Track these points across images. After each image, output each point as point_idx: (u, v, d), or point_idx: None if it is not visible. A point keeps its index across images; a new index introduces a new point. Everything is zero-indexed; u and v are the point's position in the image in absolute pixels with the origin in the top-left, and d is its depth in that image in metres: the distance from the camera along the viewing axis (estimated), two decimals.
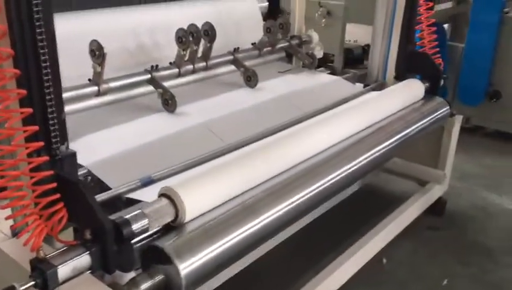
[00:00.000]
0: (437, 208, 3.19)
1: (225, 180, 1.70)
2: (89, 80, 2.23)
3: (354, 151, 2.22)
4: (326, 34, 4.97)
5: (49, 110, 1.31)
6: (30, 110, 1.25)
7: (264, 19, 3.38)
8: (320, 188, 1.95)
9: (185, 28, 2.45)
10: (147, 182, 1.81)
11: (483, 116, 4.48)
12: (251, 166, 1.82)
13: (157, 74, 2.43)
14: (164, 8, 2.92)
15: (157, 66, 2.45)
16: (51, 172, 1.30)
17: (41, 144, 1.28)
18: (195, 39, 2.51)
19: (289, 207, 1.79)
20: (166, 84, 2.46)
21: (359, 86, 3.21)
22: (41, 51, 1.26)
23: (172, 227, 1.56)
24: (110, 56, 2.34)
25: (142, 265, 1.45)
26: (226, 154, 2.10)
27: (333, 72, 3.34)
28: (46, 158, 1.30)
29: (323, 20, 5.04)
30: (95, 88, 2.22)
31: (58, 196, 1.32)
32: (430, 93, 2.93)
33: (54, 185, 1.31)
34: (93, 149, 1.98)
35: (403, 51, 3.03)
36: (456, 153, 3.23)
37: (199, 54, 2.64)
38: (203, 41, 2.59)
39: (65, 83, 2.11)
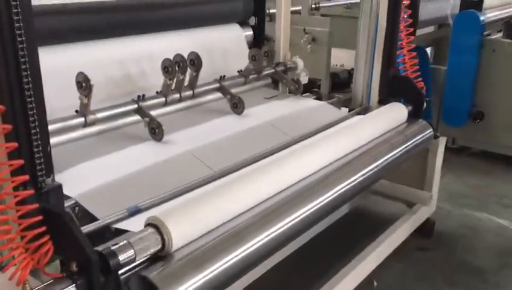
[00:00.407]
0: (426, 229, 3.21)
1: (213, 207, 1.72)
2: (76, 111, 2.26)
3: (340, 175, 2.25)
4: (312, 60, 5.05)
5: (35, 143, 1.32)
6: (15, 144, 1.26)
7: (250, 47, 3.46)
8: (308, 212, 1.97)
9: (171, 57, 2.50)
10: (134, 212, 1.82)
11: (468, 136, 4.55)
12: (238, 192, 1.84)
13: (144, 104, 2.46)
14: (151, 38, 2.96)
15: (143, 95, 2.48)
16: (36, 205, 1.30)
17: (27, 177, 1.30)
18: (181, 69, 2.56)
19: (277, 232, 1.81)
20: (153, 113, 2.49)
21: (344, 111, 3.27)
22: (26, 86, 1.28)
23: (160, 257, 1.57)
24: (98, 87, 2.40)
25: None
26: (213, 181, 2.11)
27: (319, 98, 3.40)
28: (31, 192, 1.31)
29: (309, 46, 5.11)
30: (82, 119, 2.24)
31: (44, 229, 1.32)
32: (413, 116, 2.98)
33: (40, 218, 1.32)
34: (80, 180, 1.99)
35: (386, 75, 3.10)
36: (443, 173, 3.28)
37: (186, 83, 2.68)
38: (189, 70, 2.64)
39: (53, 114, 2.20)
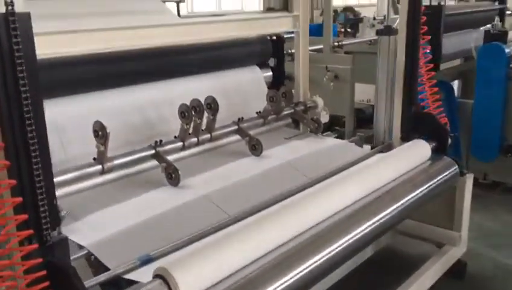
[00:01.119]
0: (457, 271, 3.06)
1: (224, 256, 1.68)
2: (94, 158, 2.28)
3: (361, 216, 2.19)
4: (336, 97, 5.07)
5: (40, 197, 1.33)
6: (20, 199, 1.27)
7: (270, 88, 3.47)
8: (330, 255, 1.92)
9: (189, 102, 2.52)
10: (145, 261, 1.80)
11: (501, 171, 4.38)
12: (252, 239, 1.80)
13: (161, 149, 2.47)
14: (170, 83, 3.01)
15: (161, 141, 2.49)
16: (40, 260, 1.30)
17: (31, 232, 1.30)
18: (198, 113, 2.57)
19: (295, 279, 1.75)
20: (171, 157, 2.50)
21: (366, 149, 3.21)
22: (31, 142, 1.30)
23: None
24: (119, 133, 2.45)
25: None
26: (228, 226, 2.08)
27: (340, 136, 3.36)
28: (35, 246, 1.30)
29: (332, 84, 5.13)
30: (99, 167, 2.26)
31: (47, 284, 1.31)
32: (438, 153, 2.90)
33: (44, 273, 1.31)
34: (95, 228, 2.00)
35: (407, 111, 3.04)
36: (475, 210, 3.14)
37: (203, 127, 2.69)
38: (206, 114, 2.65)
39: (77, 161, 2.24)
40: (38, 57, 2.00)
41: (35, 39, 1.32)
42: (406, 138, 3.07)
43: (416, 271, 2.79)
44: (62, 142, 2.39)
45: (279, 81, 3.63)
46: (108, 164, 2.28)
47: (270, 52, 3.54)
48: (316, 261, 1.90)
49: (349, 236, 2.09)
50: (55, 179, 2.06)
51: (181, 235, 1.98)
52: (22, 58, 1.25)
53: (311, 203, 2.10)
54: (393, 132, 3.12)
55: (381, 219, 2.23)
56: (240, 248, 1.72)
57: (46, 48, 2.06)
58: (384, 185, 2.46)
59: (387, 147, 3.10)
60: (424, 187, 2.55)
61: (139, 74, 2.84)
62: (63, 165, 2.26)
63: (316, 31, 5.72)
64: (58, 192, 2.08)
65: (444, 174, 2.71)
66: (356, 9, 11.13)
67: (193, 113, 2.51)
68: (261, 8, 14.25)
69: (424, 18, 2.93)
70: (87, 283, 1.54)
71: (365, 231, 2.17)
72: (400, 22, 2.95)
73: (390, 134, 3.17)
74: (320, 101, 3.45)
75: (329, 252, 1.97)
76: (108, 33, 2.45)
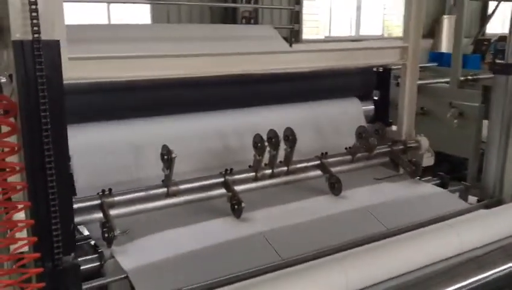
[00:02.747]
0: None
1: None
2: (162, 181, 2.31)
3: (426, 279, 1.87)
4: (459, 136, 4.58)
5: (53, 221, 1.34)
6: (32, 221, 1.29)
7: (371, 122, 3.25)
8: None
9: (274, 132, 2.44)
10: None
11: None
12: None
13: (230, 178, 2.42)
14: (265, 111, 2.96)
15: (231, 169, 2.44)
16: (42, 284, 1.30)
17: (37, 255, 1.31)
18: (273, 144, 2.47)
19: None
20: (241, 187, 2.44)
21: (472, 201, 2.81)
22: (49, 166, 1.32)
23: None
24: (197, 157, 2.47)
25: None
26: (276, 270, 1.93)
27: (442, 183, 2.98)
28: (39, 270, 1.31)
29: (455, 121, 4.66)
30: (164, 189, 2.27)
31: None
32: None
33: None
34: (143, 252, 2.00)
35: None
36: None
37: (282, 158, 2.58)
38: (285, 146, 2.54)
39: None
40: (130, 78, 2.16)
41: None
42: None
43: None
44: (138, 162, 2.47)
45: (383, 116, 3.39)
46: (173, 188, 2.29)
47: (373, 84, 3.32)
48: None
49: None
50: (122, 197, 2.18)
51: (222, 273, 1.89)
52: (45, 84, 1.28)
53: (372, 257, 1.85)
54: (504, 185, 2.68)
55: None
56: None
57: (149, 70, 2.18)
58: (473, 249, 2.09)
59: (496, 203, 2.67)
60: None
61: (231, 99, 2.86)
62: (136, 184, 2.34)
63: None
64: (123, 210, 2.19)
65: None
66: None
67: (266, 144, 2.41)
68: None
69: None
70: None
71: None
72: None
73: (502, 188, 2.73)
74: (424, 142, 3.11)
75: None
76: (213, 58, 2.46)
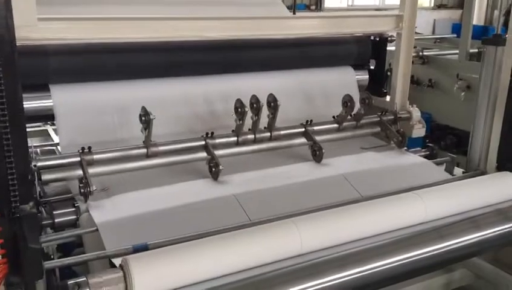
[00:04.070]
0: None
1: (195, 260, 1.62)
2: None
3: (387, 249, 1.91)
4: (466, 109, 4.51)
5: (9, 171, 1.43)
6: None
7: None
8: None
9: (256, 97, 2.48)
10: (139, 249, 1.82)
11: None
12: (235, 249, 1.71)
13: (211, 141, 2.47)
14: (259, 77, 2.99)
15: (212, 133, 2.49)
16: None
17: None
18: (255, 110, 2.51)
19: None
20: (222, 152, 2.50)
21: (457, 173, 2.81)
22: (2, 118, 1.39)
23: None
24: (182, 121, 2.54)
25: None
26: (239, 229, 1.99)
27: (430, 154, 2.98)
28: None
29: (462, 94, 4.59)
30: (144, 150, 2.35)
31: (3, 251, 1.41)
32: None
33: (1, 241, 1.41)
34: (116, 208, 2.09)
35: (507, 137, 2.57)
36: None
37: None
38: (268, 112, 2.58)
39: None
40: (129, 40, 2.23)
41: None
42: (502, 167, 2.60)
43: None
44: (124, 122, 2.54)
45: (379, 85, 3.37)
46: (153, 149, 2.36)
47: (369, 53, 3.29)
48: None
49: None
50: (101, 156, 2.27)
51: (192, 230, 1.96)
52: None
53: (328, 222, 1.89)
54: (488, 159, 2.67)
55: (418, 255, 1.93)
56: (218, 256, 1.64)
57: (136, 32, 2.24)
58: (439, 218, 2.11)
59: (480, 175, 2.66)
60: (493, 229, 2.13)
61: (222, 65, 2.89)
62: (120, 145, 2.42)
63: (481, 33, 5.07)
64: (101, 169, 2.29)
65: None
66: None
67: (246, 109, 2.45)
68: (432, 5, 13.30)
69: None
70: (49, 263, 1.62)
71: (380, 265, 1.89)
72: (510, 30, 2.49)
73: (487, 160, 2.71)
74: (416, 113, 3.09)
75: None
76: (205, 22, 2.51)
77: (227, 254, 1.67)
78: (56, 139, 3.64)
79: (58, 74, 2.38)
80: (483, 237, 2.11)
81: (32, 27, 1.72)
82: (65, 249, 2.21)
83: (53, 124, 4.28)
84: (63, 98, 2.38)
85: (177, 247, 1.69)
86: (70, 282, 1.46)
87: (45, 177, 2.18)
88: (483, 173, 2.66)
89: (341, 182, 2.46)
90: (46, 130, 4.03)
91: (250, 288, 1.61)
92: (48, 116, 2.51)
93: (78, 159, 2.19)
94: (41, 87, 2.38)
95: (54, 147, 2.98)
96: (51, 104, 2.37)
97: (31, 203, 1.52)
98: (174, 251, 1.65)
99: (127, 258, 1.56)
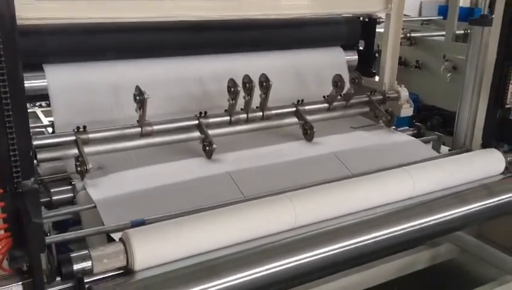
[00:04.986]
0: None
1: (193, 233, 1.68)
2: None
3: (372, 223, 1.98)
4: (452, 90, 4.58)
5: (11, 147, 1.46)
6: None
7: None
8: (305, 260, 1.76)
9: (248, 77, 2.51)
10: (137, 224, 1.86)
11: None
12: (232, 222, 1.76)
13: (204, 120, 2.51)
14: (248, 58, 3.01)
15: (205, 112, 2.53)
16: (2, 203, 1.44)
17: None
18: (247, 90, 2.55)
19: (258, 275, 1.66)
20: (215, 131, 2.54)
21: (443, 151, 2.89)
22: (4, 95, 1.42)
23: (126, 273, 1.59)
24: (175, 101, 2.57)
25: None
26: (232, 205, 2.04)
27: (418, 133, 3.05)
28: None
29: (449, 75, 4.66)
30: (138, 129, 2.38)
31: (6, 225, 1.45)
32: None
33: (4, 215, 1.45)
34: (113, 186, 2.13)
35: (492, 116, 2.64)
36: None
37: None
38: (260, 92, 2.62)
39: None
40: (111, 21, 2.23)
41: None
42: (487, 145, 2.68)
43: None
44: (118, 102, 2.56)
45: (367, 66, 3.42)
46: (147, 128, 2.39)
47: (358, 34, 3.33)
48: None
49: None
50: (96, 135, 2.30)
51: (188, 207, 2.01)
52: None
53: (315, 197, 1.95)
54: (474, 137, 2.75)
55: (403, 229, 2.00)
56: (213, 230, 1.70)
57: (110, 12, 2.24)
58: (426, 193, 2.19)
59: (465, 153, 2.73)
60: (480, 204, 2.21)
61: (212, 45, 2.91)
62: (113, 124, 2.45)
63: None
64: (96, 148, 2.32)
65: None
66: None
67: (239, 89, 2.48)
68: None
69: None
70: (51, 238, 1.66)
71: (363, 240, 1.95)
72: (496, 10, 2.54)
73: (472, 138, 2.79)
74: (404, 93, 3.16)
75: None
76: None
77: (224, 227, 1.73)
78: (45, 121, 3.68)
79: (53, 53, 2.39)
80: (468, 211, 2.19)
81: (27, 6, 1.73)
82: (61, 227, 2.25)
83: (41, 106, 4.30)
84: (57, 77, 2.39)
85: (175, 221, 1.74)
86: (73, 255, 1.50)
87: (41, 156, 2.20)
88: (468, 150, 2.74)
89: (332, 160, 2.52)
90: (35, 112, 4.04)
91: (246, 260, 1.67)
92: (41, 96, 2.52)
93: (73, 138, 2.22)
94: (35, 67, 2.39)
95: (44, 129, 2.98)
96: (45, 84, 2.39)
97: (32, 179, 1.55)
98: (172, 224, 1.70)
99: (127, 231, 1.61)
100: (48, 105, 2.84)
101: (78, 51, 2.50)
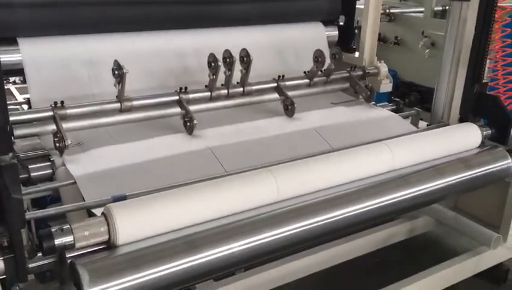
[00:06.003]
0: (496, 276, 2.73)
1: (175, 207, 1.68)
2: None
3: (356, 195, 2.01)
4: (430, 67, 4.62)
5: None
6: None
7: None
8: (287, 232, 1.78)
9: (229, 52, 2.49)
10: (118, 199, 1.85)
11: None
12: (214, 197, 1.76)
13: (185, 96, 2.49)
14: (227, 32, 2.98)
15: (186, 88, 2.51)
16: None
17: None
18: (228, 64, 2.53)
19: (239, 249, 1.67)
20: (195, 107, 2.52)
21: (421, 126, 2.93)
22: None
23: (108, 248, 1.58)
24: (155, 76, 2.53)
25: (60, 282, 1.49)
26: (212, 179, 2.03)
27: (397, 109, 3.08)
28: None
29: (427, 51, 4.69)
30: (118, 105, 2.35)
31: None
32: (496, 142, 2.54)
33: None
34: (92, 162, 2.10)
35: (469, 91, 2.68)
36: None
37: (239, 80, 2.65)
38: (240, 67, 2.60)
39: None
40: None
41: None
42: (464, 119, 2.73)
43: (441, 264, 2.55)
44: (95, 77, 2.52)
45: (348, 41, 3.42)
46: (127, 104, 2.36)
47: (338, 9, 3.32)
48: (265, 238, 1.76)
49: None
50: (75, 110, 2.26)
51: (169, 182, 2.00)
52: None
53: (297, 171, 1.96)
54: (451, 112, 2.79)
55: (381, 202, 2.03)
56: (194, 205, 1.70)
57: None
58: (404, 167, 2.23)
59: (443, 127, 2.78)
60: (459, 176, 2.26)
61: (192, 19, 2.87)
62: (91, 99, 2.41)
63: None
64: (75, 124, 2.29)
65: (490, 166, 2.37)
66: None
67: (219, 64, 2.46)
68: None
69: None
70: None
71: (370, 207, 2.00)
72: None
73: (450, 113, 2.83)
74: (383, 68, 3.18)
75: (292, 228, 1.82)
76: None
77: (206, 201, 1.73)
78: (20, 98, 3.60)
79: (27, 27, 2.32)
80: (445, 183, 2.23)
81: None
82: (40, 205, 2.22)
83: (15, 83, 4.20)
84: (32, 51, 2.33)
85: (158, 195, 1.74)
86: (54, 229, 1.49)
87: (18, 132, 2.16)
88: (446, 125, 2.78)
89: (313, 135, 2.53)
90: (9, 90, 3.96)
91: (229, 233, 1.68)
92: (16, 71, 2.45)
93: (51, 113, 2.17)
94: (9, 41, 2.32)
95: (19, 106, 2.92)
96: (20, 58, 2.33)
97: (10, 154, 1.52)
98: (155, 199, 1.70)
99: (110, 205, 1.60)
100: (23, 82, 2.79)
101: (54, 24, 2.43)
